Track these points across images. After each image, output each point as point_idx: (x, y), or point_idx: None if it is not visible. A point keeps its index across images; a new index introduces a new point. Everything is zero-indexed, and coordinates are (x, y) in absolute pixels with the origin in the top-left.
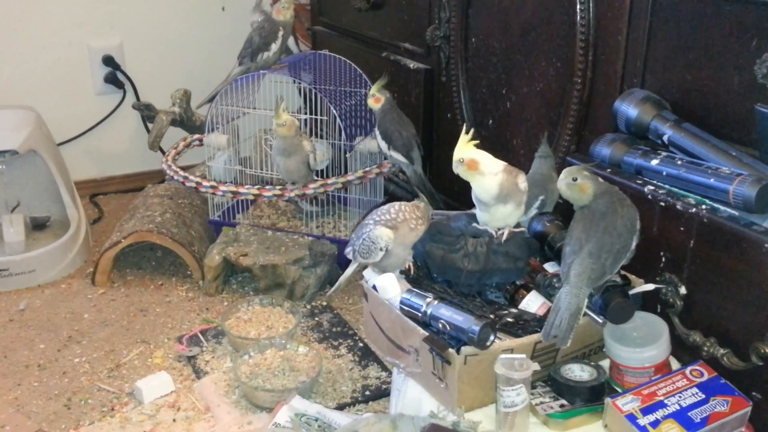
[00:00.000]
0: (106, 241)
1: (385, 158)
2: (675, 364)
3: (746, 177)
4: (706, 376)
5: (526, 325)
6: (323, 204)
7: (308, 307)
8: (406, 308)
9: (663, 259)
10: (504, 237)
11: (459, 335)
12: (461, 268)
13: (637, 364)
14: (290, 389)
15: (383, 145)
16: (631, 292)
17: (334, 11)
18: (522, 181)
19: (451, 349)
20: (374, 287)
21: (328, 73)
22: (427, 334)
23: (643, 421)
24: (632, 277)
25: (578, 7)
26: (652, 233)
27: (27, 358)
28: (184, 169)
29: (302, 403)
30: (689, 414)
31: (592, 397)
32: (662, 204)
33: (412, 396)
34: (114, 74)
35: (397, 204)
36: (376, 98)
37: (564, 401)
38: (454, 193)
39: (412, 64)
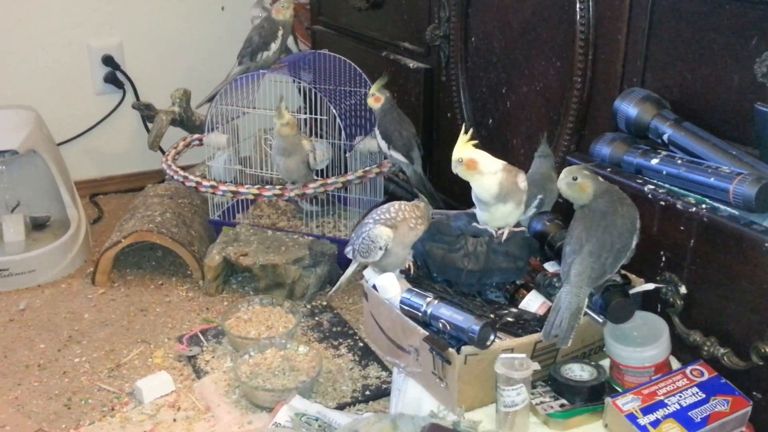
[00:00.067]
0: (106, 240)
1: (385, 158)
2: (675, 364)
3: (746, 176)
4: (706, 376)
5: (526, 324)
6: (323, 204)
7: (308, 306)
8: (406, 308)
9: (663, 259)
10: (504, 236)
11: (459, 335)
12: (461, 268)
13: (638, 363)
14: (290, 389)
15: (383, 145)
16: (632, 291)
17: (334, 11)
18: (522, 180)
19: (451, 349)
20: (374, 287)
21: (327, 72)
22: (427, 333)
23: (644, 420)
24: (632, 277)
25: (578, 6)
26: (652, 232)
27: (27, 358)
28: (184, 168)
29: (302, 402)
30: (689, 413)
31: (593, 396)
32: (662, 203)
33: (412, 395)
34: (114, 74)
35: (396, 203)
36: (376, 98)
37: (564, 401)
38: (454, 193)
39: (412, 64)
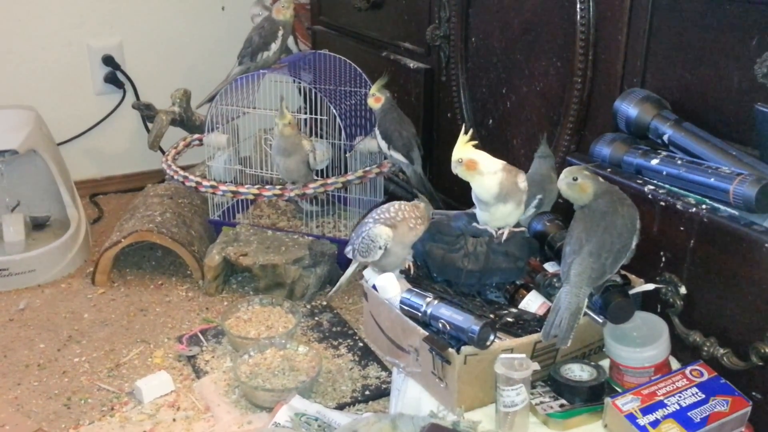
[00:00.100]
0: (106, 240)
1: (385, 158)
2: (675, 364)
3: (746, 176)
4: (706, 376)
5: (526, 324)
6: (323, 204)
7: (308, 306)
8: (406, 308)
9: (663, 259)
10: (504, 236)
11: (459, 335)
12: (461, 268)
13: (637, 363)
14: (290, 389)
15: (383, 145)
16: (631, 291)
17: (334, 11)
18: (522, 180)
19: (450, 349)
20: (374, 287)
21: (327, 72)
22: (427, 333)
23: (643, 420)
24: (632, 277)
25: (578, 6)
26: (652, 233)
27: (27, 358)
28: (184, 168)
29: (302, 402)
30: (689, 414)
31: (592, 396)
32: (662, 204)
33: (411, 396)
34: (114, 74)
35: (396, 203)
36: (376, 98)
37: (564, 401)
38: (454, 193)
39: (412, 64)
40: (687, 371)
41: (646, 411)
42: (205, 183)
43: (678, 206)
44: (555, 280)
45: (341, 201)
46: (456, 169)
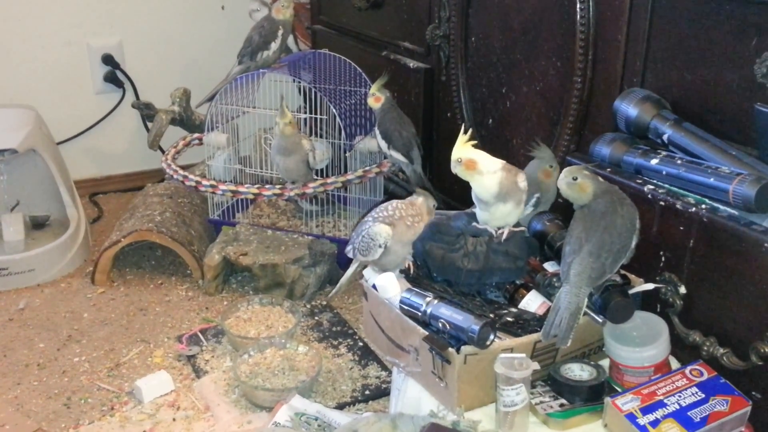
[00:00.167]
0: (105, 240)
1: (385, 157)
2: (675, 364)
3: (746, 176)
4: (705, 376)
5: (525, 324)
6: (323, 203)
7: (308, 306)
8: (406, 307)
9: (663, 259)
10: (504, 236)
11: (459, 334)
12: (461, 268)
13: (637, 363)
14: (290, 388)
15: (383, 145)
16: (631, 291)
17: (334, 10)
18: (522, 179)
19: (450, 349)
20: (374, 286)
21: (327, 72)
22: (426, 333)
23: (643, 420)
24: (632, 277)
25: (578, 6)
26: (652, 233)
27: (27, 358)
28: (183, 168)
29: (302, 402)
30: (689, 413)
31: (592, 396)
32: (662, 203)
33: (411, 395)
34: (113, 73)
35: (394, 202)
36: (376, 97)
37: (564, 401)
38: (454, 193)
39: (412, 64)
40: (687, 371)
41: (645, 410)
42: (204, 182)
43: (678, 206)
44: (555, 279)
45: (341, 200)
46: (455, 169)
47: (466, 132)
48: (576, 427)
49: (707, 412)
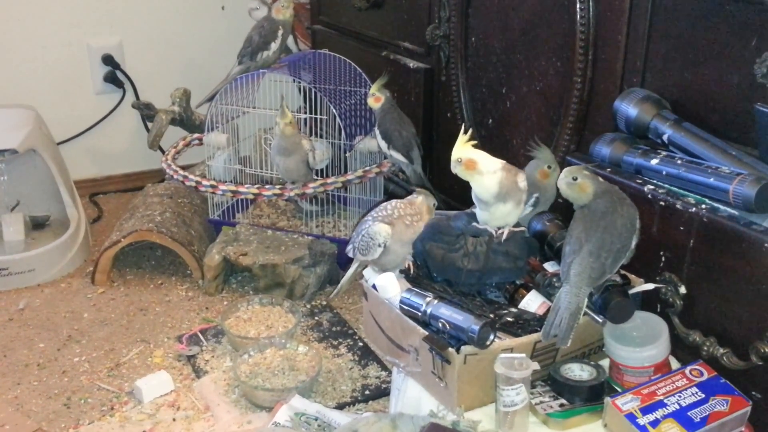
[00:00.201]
0: (105, 240)
1: (385, 157)
2: (675, 364)
3: (746, 176)
4: (705, 376)
5: (525, 324)
6: (323, 203)
7: (308, 306)
8: (406, 307)
9: (663, 259)
10: (504, 236)
11: (459, 334)
12: (461, 268)
13: (637, 363)
14: (290, 388)
15: (383, 145)
16: (631, 291)
17: (334, 10)
18: (522, 179)
19: (450, 349)
20: (374, 286)
21: (327, 72)
22: (426, 333)
23: (643, 420)
24: (632, 277)
25: (578, 6)
26: (652, 233)
27: (27, 358)
28: (183, 168)
29: (302, 402)
30: (689, 413)
31: (592, 396)
32: (662, 203)
33: (411, 395)
34: (113, 73)
35: (393, 201)
36: (376, 97)
37: (564, 401)
38: (454, 193)
39: (412, 64)
40: (687, 371)
41: (645, 410)
42: (204, 182)
43: (678, 206)
44: (555, 279)
45: (341, 201)
46: (455, 169)
47: (466, 132)
48: (576, 427)
49: (707, 412)
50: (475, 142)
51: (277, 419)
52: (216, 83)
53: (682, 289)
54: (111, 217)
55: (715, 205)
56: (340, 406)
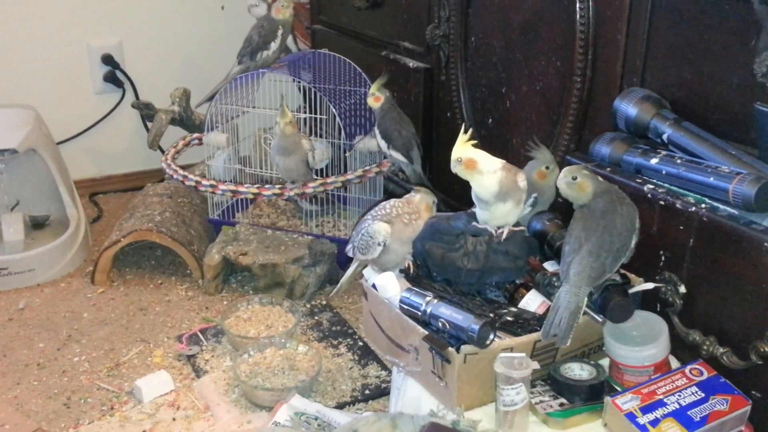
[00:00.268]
0: (105, 240)
1: (385, 157)
2: (674, 363)
3: (746, 176)
4: (705, 375)
5: (525, 323)
6: (323, 203)
7: (308, 306)
8: (406, 307)
9: (662, 258)
10: (504, 235)
11: (459, 334)
12: (461, 267)
13: (637, 362)
14: (290, 388)
15: (383, 144)
16: (631, 290)
17: (334, 10)
18: (521, 179)
19: (450, 348)
20: (374, 286)
21: (327, 71)
22: (426, 332)
23: (643, 419)
24: (632, 276)
25: (578, 5)
26: (652, 232)
27: (26, 357)
28: (183, 168)
29: (302, 401)
30: (689, 413)
31: (592, 395)
32: (662, 203)
33: (411, 395)
34: (113, 73)
35: (391, 200)
36: (376, 97)
37: (564, 400)
38: (454, 193)
39: (412, 63)
40: (687, 370)
41: (645, 410)
42: (204, 182)
43: (677, 205)
44: (555, 279)
45: (341, 200)
46: (455, 168)
47: (466, 131)
48: (576, 426)
49: (707, 412)
50: (475, 141)
51: (277, 419)
52: (216, 83)
53: (682, 289)
54: (111, 217)
55: (715, 204)
56: (340, 406)
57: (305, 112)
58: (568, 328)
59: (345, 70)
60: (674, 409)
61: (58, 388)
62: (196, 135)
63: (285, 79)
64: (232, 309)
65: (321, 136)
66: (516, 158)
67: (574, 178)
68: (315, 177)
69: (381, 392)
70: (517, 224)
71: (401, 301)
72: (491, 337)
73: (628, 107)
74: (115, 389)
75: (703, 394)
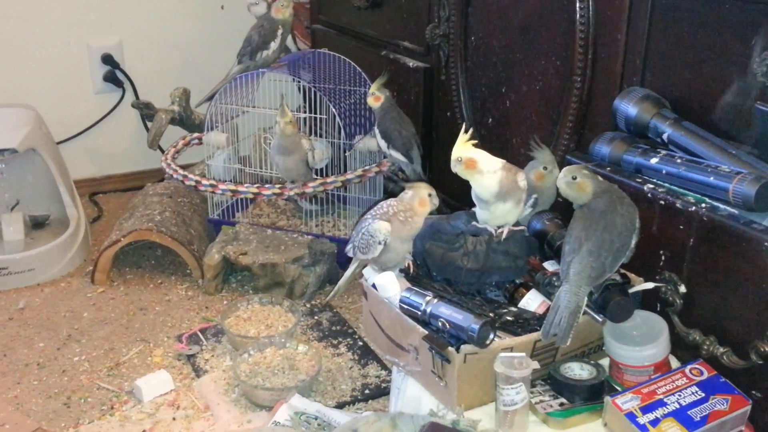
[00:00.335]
0: (105, 239)
1: (385, 157)
2: (675, 363)
3: (746, 175)
4: (705, 375)
5: (525, 323)
6: (323, 203)
7: (308, 305)
8: (406, 307)
9: (663, 258)
10: (504, 235)
11: (459, 334)
12: (461, 267)
13: (637, 362)
14: (290, 388)
15: (383, 144)
16: (631, 290)
17: (334, 10)
18: (521, 179)
19: (450, 348)
20: (374, 285)
21: (327, 71)
22: (426, 332)
23: (643, 419)
24: (632, 276)
25: (578, 5)
26: (652, 232)
27: (26, 357)
28: (183, 167)
29: (302, 401)
30: (689, 412)
31: (592, 395)
32: (662, 202)
33: (411, 394)
34: (113, 73)
35: (388, 200)
36: (376, 97)
37: (564, 400)
38: (454, 192)
39: (412, 63)
40: (687, 370)
41: (645, 410)
42: (204, 182)
43: (677, 205)
44: (554, 278)
45: (341, 200)
46: (455, 168)
47: (466, 131)
48: (576, 426)
49: (707, 411)
50: (475, 141)
51: (277, 418)
52: (215, 83)
53: (682, 288)
54: (111, 217)
55: (715, 204)
56: (340, 406)
57: (305, 112)
58: (568, 328)
59: (345, 69)
60: (674, 408)
61: (58, 388)
62: (195, 135)
63: (285, 79)
64: (232, 309)
65: (321, 136)
66: (516, 158)
67: (574, 178)
68: (315, 177)
69: (381, 392)
70: (516, 224)
71: (401, 301)
72: (491, 336)
73: (628, 107)
74: (115, 389)
75: (703, 394)
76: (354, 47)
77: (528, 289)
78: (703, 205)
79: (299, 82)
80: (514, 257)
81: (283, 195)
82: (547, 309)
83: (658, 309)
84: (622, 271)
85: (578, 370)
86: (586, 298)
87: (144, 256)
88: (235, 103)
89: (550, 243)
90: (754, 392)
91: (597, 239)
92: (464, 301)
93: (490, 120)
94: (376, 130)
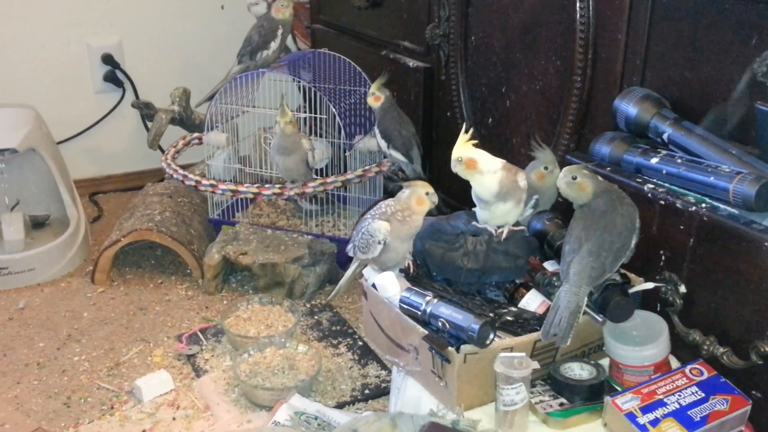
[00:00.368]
0: (105, 239)
1: (385, 157)
2: (675, 363)
3: (746, 175)
4: (705, 375)
5: (525, 323)
6: (323, 203)
7: (308, 305)
8: (406, 306)
9: (663, 258)
10: (504, 235)
11: (458, 334)
12: (461, 267)
13: (637, 362)
14: (290, 387)
15: (383, 144)
16: (631, 290)
17: (334, 9)
18: (522, 179)
19: (450, 348)
20: (374, 285)
21: (327, 71)
22: (426, 332)
23: (643, 419)
24: (632, 276)
25: (578, 5)
26: (652, 232)
27: (26, 357)
28: (183, 167)
29: (302, 401)
30: (689, 413)
31: (592, 395)
32: (662, 202)
33: (411, 394)
34: (113, 73)
35: (386, 200)
36: (376, 97)
37: (563, 400)
38: (454, 192)
39: (412, 63)
40: (687, 370)
41: (645, 410)
42: (204, 182)
43: (678, 205)
44: (555, 278)
45: (341, 200)
46: (456, 168)
47: (466, 131)
48: (576, 426)
49: (707, 411)
50: (475, 141)
51: (277, 418)
52: (216, 83)
53: (682, 288)
54: (111, 217)
55: (715, 204)
56: (340, 405)
57: (305, 112)
58: (568, 328)
59: (345, 69)
60: (674, 408)
61: (58, 388)
62: (196, 134)
63: (285, 79)
64: (232, 308)
65: (321, 136)
66: (516, 158)
67: (574, 178)
68: (315, 177)
69: (381, 392)
70: (517, 224)
71: (401, 301)
72: (491, 336)
73: (629, 107)
74: (115, 389)
75: (703, 394)
76: (354, 47)
77: (528, 289)
78: (704, 205)
79: (299, 82)
80: (514, 257)
81: (283, 195)
82: (547, 309)
83: (658, 309)
84: (622, 271)
85: (578, 370)
86: (586, 298)
87: (144, 256)
88: (235, 103)
89: (550, 243)
90: (754, 392)
91: (597, 239)
92: (464, 301)
93: (490, 120)
94: (376, 130)
